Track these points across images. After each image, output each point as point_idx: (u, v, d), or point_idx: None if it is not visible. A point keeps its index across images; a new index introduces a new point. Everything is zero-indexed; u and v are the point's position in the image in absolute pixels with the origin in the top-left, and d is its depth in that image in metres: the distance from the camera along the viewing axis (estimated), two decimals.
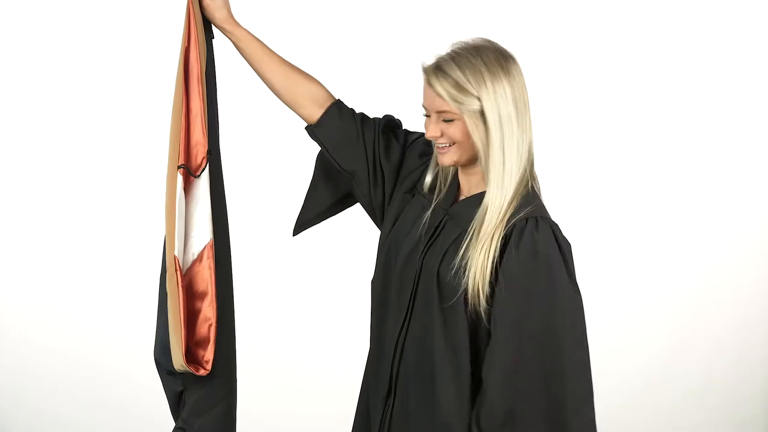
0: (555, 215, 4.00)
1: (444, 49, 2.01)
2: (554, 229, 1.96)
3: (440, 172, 2.13)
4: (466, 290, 1.94)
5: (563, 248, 1.96)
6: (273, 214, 3.90)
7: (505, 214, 1.94)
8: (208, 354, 2.05)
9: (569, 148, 4.11)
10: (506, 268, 1.92)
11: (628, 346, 4.20)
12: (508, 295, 1.92)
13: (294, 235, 2.42)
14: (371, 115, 2.29)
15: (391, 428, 2.11)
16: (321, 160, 2.34)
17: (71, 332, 4.08)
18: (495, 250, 1.92)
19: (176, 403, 2.14)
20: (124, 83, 4.01)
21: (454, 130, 1.98)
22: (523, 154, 1.96)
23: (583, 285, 4.08)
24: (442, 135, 2.00)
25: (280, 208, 3.41)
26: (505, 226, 1.93)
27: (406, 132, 2.26)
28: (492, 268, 1.92)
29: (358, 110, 2.30)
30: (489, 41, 2.01)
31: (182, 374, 2.08)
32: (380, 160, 2.24)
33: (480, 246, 1.93)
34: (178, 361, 2.02)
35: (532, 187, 2.00)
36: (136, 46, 3.96)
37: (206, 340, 2.06)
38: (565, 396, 1.93)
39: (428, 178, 2.14)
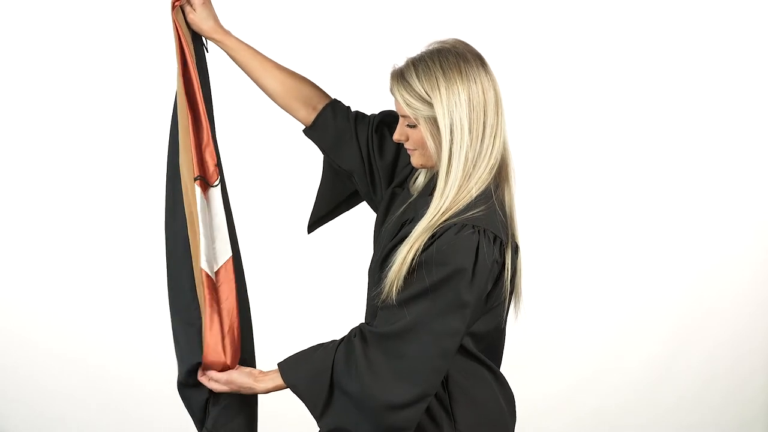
0: (556, 216, 4.04)
1: (417, 50, 1.97)
2: (481, 240, 1.87)
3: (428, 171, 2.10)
4: (385, 284, 1.91)
5: (479, 261, 1.87)
6: (280, 215, 3.92)
7: (441, 217, 1.89)
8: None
9: (573, 150, 4.10)
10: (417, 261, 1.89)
11: (628, 346, 4.20)
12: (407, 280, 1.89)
13: (309, 233, 2.43)
14: (369, 113, 2.28)
15: None
16: (326, 160, 2.35)
17: (71, 333, 4.08)
18: (418, 248, 1.88)
19: (202, 413, 2.16)
20: (126, 86, 3.99)
21: (415, 136, 1.96)
22: (479, 160, 1.91)
23: (585, 285, 4.15)
24: (407, 139, 1.98)
25: (289, 210, 3.42)
26: (436, 227, 1.89)
27: None
28: (410, 264, 1.88)
29: (354, 109, 2.29)
30: (459, 42, 1.97)
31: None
32: (375, 159, 2.24)
33: (410, 244, 1.89)
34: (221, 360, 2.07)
35: (491, 191, 1.94)
36: (135, 46, 3.95)
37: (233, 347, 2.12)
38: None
39: (421, 178, 2.12)
